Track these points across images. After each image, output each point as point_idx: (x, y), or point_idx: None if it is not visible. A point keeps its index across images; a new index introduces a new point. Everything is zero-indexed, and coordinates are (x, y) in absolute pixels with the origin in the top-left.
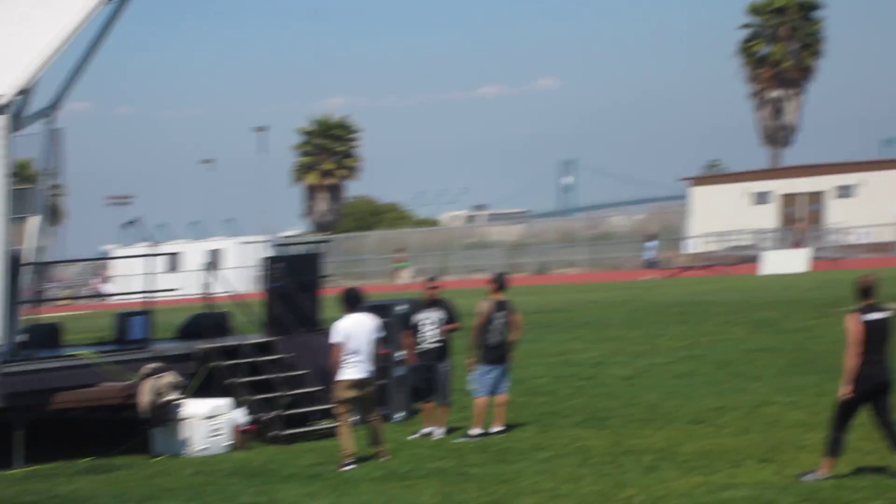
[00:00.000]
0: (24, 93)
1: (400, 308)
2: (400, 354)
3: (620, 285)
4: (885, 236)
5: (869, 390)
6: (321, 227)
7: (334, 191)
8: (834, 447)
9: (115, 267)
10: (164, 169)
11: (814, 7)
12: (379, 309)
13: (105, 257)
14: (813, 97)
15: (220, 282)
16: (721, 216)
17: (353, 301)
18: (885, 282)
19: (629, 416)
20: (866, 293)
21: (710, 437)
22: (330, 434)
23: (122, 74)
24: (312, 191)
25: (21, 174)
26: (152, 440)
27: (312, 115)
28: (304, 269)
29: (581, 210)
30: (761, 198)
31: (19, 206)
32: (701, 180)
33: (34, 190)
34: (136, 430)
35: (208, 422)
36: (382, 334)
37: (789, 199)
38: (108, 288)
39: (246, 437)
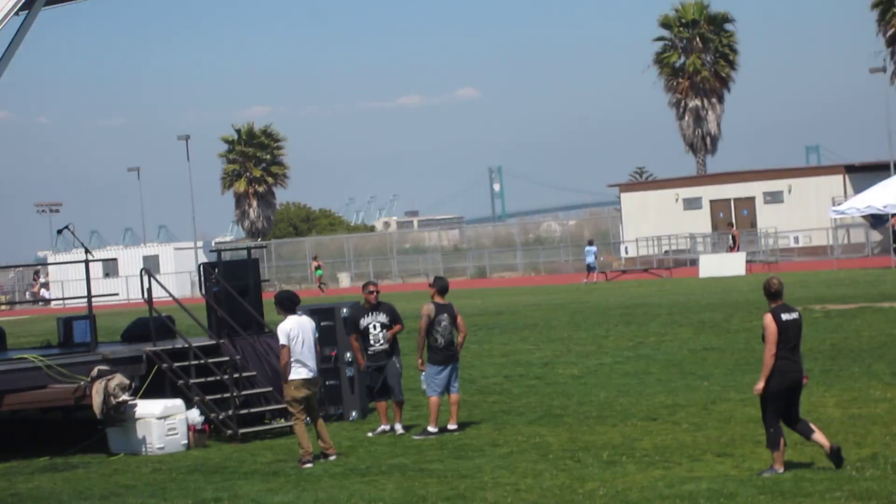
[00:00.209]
0: None
1: (343, 311)
2: (349, 355)
3: (560, 288)
4: (818, 240)
5: (787, 386)
6: (254, 233)
7: (264, 197)
8: (773, 442)
9: (52, 273)
10: (90, 177)
11: (725, 20)
12: (323, 312)
13: (42, 263)
14: (732, 106)
15: (158, 287)
16: (653, 221)
17: (289, 304)
18: (820, 284)
19: (583, 413)
20: (776, 295)
21: (667, 432)
22: (284, 433)
23: (40, 84)
24: (242, 198)
25: None
26: (109, 440)
27: (235, 123)
28: (242, 273)
29: (513, 216)
30: (692, 203)
31: None
32: (630, 187)
33: None
34: (90, 431)
35: (163, 421)
36: (317, 335)
37: (719, 204)
38: (46, 294)
39: (202, 436)
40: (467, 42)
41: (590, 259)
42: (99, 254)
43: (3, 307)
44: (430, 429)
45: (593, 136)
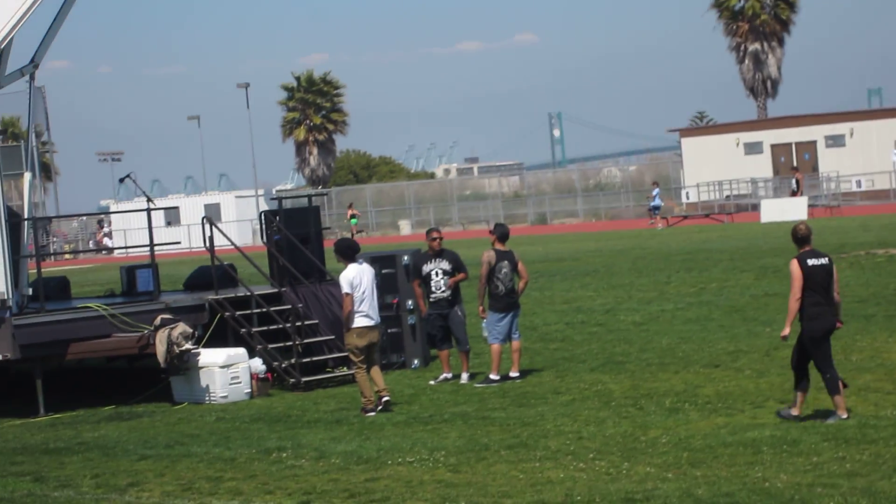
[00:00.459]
0: (0, 51)
1: (405, 258)
2: (410, 303)
3: (621, 234)
4: (880, 184)
5: (825, 329)
6: (315, 180)
7: (324, 145)
8: (833, 386)
9: (115, 221)
10: (150, 126)
11: None
12: (385, 260)
13: (105, 212)
14: (793, 49)
15: (220, 235)
16: (714, 166)
17: (349, 252)
18: (883, 228)
19: (645, 360)
20: (804, 241)
21: (729, 379)
22: (346, 381)
23: (100, 33)
24: (303, 145)
25: (9, 132)
26: (172, 388)
27: (294, 70)
28: (303, 221)
29: (572, 162)
30: (753, 148)
31: (10, 164)
32: (690, 132)
33: (24, 147)
34: (155, 380)
35: (226, 370)
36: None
37: (780, 149)
38: (109, 242)
39: (265, 384)
40: None
41: (656, 201)
42: (160, 202)
43: (68, 256)
44: (492, 376)
45: (653, 81)
